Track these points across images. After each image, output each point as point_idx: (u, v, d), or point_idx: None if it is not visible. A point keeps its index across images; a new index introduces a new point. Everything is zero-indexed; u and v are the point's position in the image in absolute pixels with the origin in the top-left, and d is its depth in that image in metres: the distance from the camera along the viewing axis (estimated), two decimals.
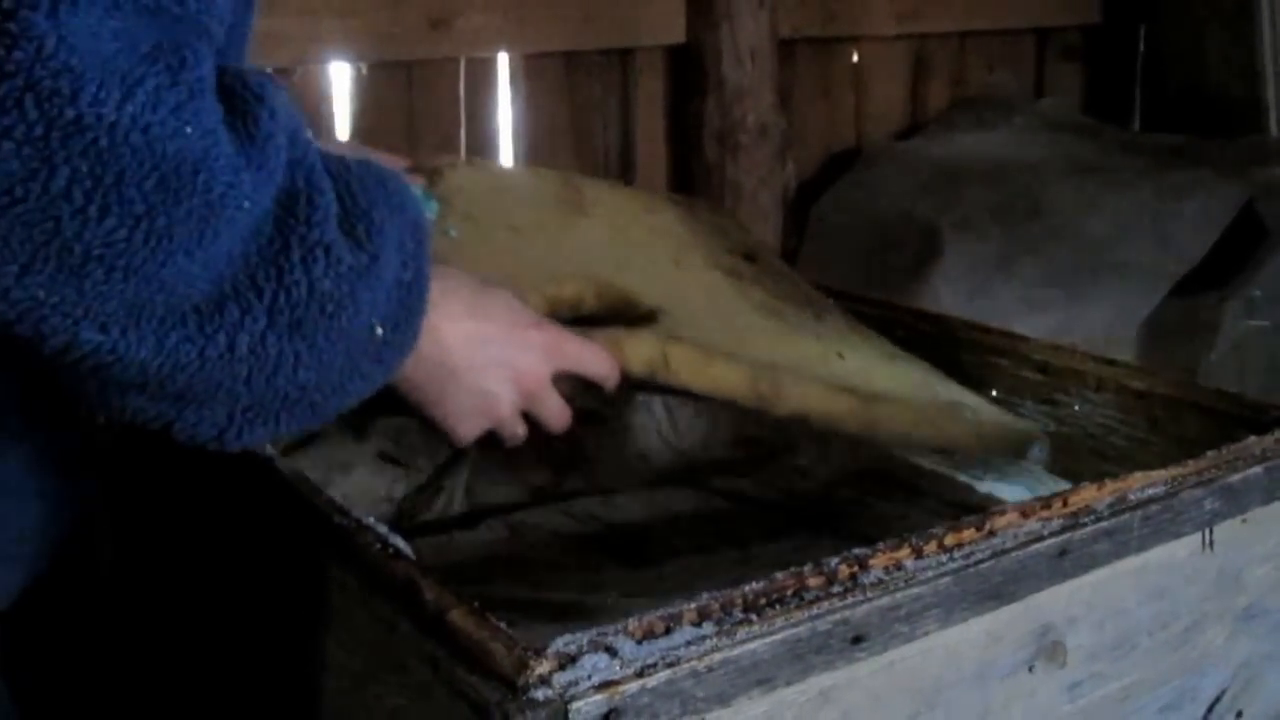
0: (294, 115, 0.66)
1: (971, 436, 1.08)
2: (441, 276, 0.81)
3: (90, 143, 0.55)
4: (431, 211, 1.00)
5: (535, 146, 2.41)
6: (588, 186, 1.14)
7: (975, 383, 1.36)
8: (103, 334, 0.59)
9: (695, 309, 1.02)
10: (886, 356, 1.21)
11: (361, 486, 1.32)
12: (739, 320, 1.03)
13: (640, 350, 0.95)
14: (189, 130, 0.58)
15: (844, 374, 1.05)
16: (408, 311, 0.72)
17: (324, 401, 0.70)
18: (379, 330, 0.70)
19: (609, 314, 0.96)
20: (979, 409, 1.10)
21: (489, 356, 0.86)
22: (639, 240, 1.11)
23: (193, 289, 0.61)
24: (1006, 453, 1.10)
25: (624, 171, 2.51)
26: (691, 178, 2.51)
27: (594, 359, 0.94)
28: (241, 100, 0.62)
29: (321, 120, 2.20)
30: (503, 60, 2.36)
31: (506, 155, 2.40)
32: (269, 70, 2.11)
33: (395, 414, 1.44)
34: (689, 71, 2.45)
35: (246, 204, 0.61)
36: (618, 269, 1.03)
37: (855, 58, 2.77)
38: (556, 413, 0.93)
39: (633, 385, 1.00)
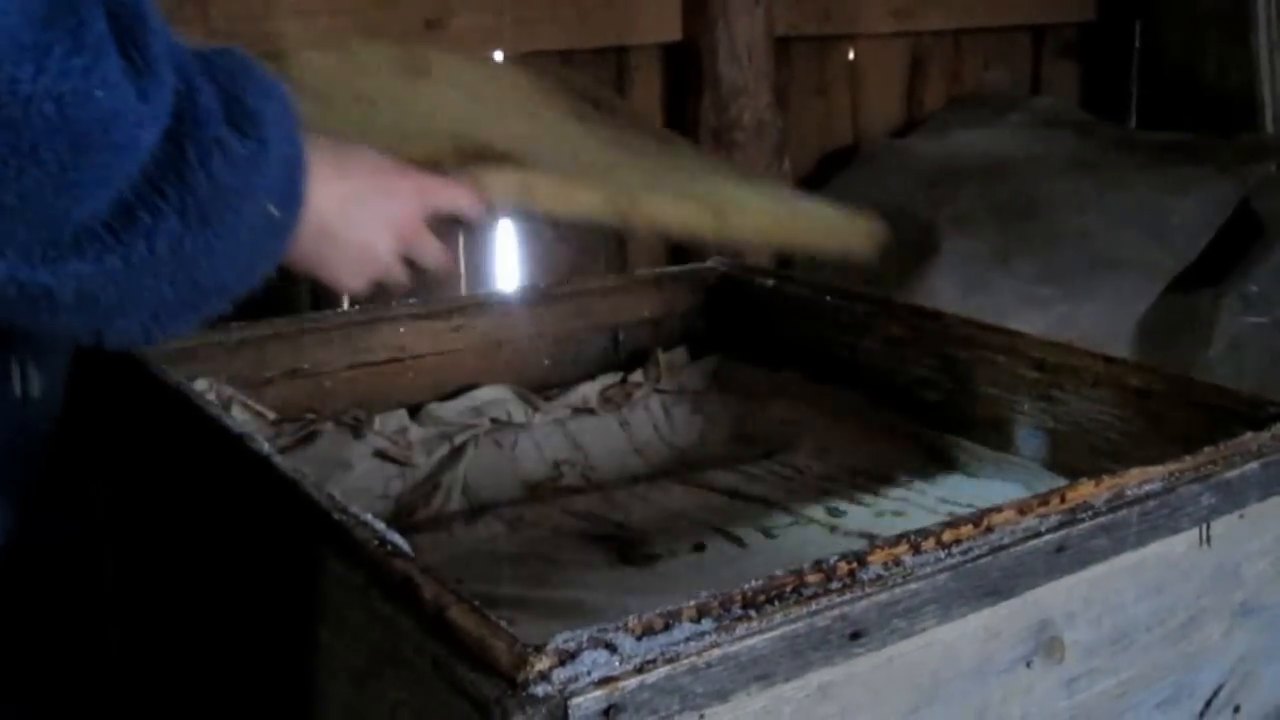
0: (164, 21, 0.69)
1: (819, 235, 1.18)
2: (305, 145, 0.85)
3: (6, 118, 0.58)
4: None
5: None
6: (434, 55, 1.18)
7: (972, 379, 1.37)
8: (29, 266, 0.64)
9: (549, 148, 1.09)
10: (734, 175, 1.33)
11: (360, 484, 1.32)
12: (592, 154, 1.10)
13: (503, 183, 0.99)
14: (99, 94, 0.61)
15: (697, 189, 1.12)
16: (294, 185, 0.76)
17: (237, 285, 0.75)
18: (274, 210, 0.74)
19: (467, 164, 0.99)
20: (823, 210, 1.19)
21: (362, 212, 0.89)
22: (489, 97, 1.17)
23: (100, 208, 0.65)
24: (852, 248, 1.19)
25: None
26: None
27: (461, 197, 0.98)
28: (129, 31, 0.65)
29: None
30: (498, 59, 2.35)
31: None
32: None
33: (392, 413, 1.45)
34: (685, 70, 2.45)
35: (146, 134, 0.65)
36: (471, 124, 1.08)
37: (851, 55, 2.76)
38: (435, 253, 0.97)
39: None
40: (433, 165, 0.96)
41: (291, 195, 0.76)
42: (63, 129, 0.60)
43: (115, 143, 0.63)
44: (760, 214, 1.14)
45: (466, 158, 0.99)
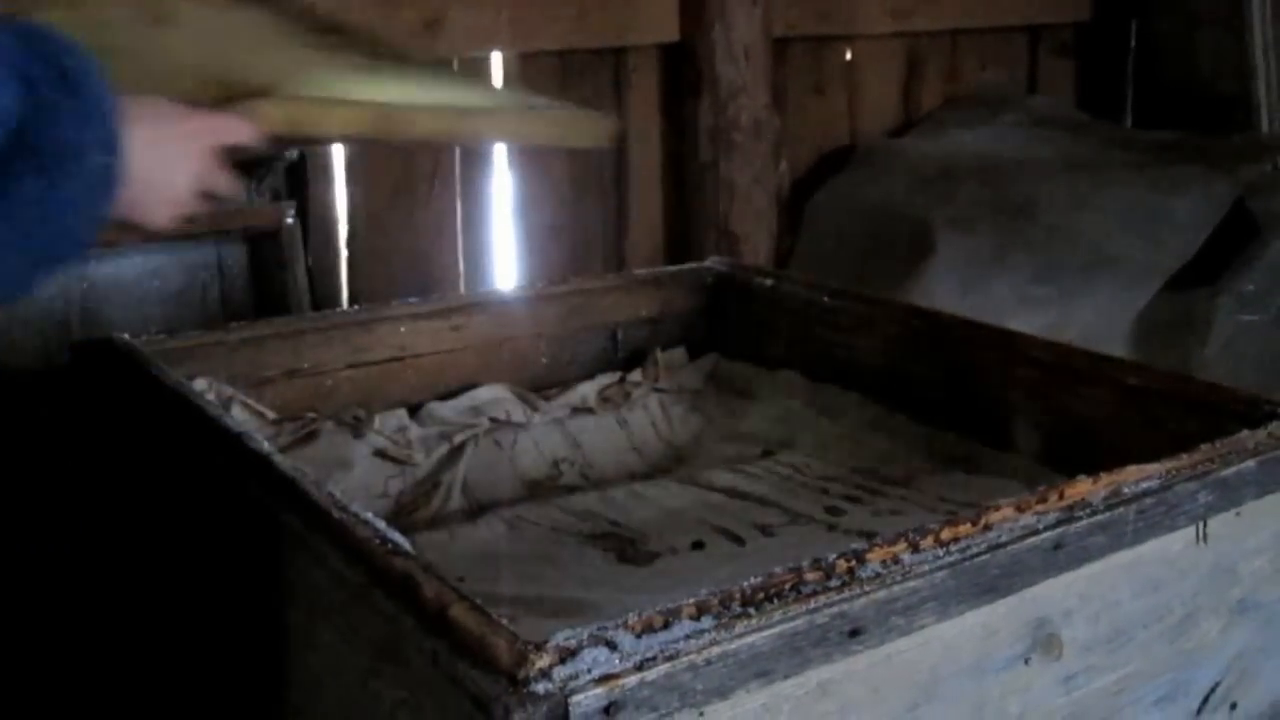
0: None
1: (555, 129, 1.28)
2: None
3: None
4: None
5: (530, 147, 2.40)
6: (173, 1, 1.23)
7: (969, 378, 1.37)
8: None
9: (303, 78, 1.16)
10: (474, 84, 1.52)
11: (360, 483, 1.32)
12: (342, 79, 1.18)
13: (274, 112, 1.05)
14: None
15: (444, 100, 1.22)
16: (117, 135, 0.84)
17: (86, 235, 0.84)
18: (107, 159, 0.82)
19: (231, 103, 1.07)
20: (557, 108, 1.31)
21: (163, 153, 0.96)
22: (237, 36, 1.22)
23: None
24: (584, 139, 1.29)
25: (618, 171, 2.51)
26: (685, 176, 2.51)
27: (241, 129, 1.03)
28: None
29: None
30: (496, 60, 2.35)
31: (499, 155, 2.40)
32: None
33: (392, 412, 1.46)
34: (683, 70, 2.45)
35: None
36: (224, 65, 1.13)
37: (848, 56, 2.77)
38: (228, 185, 1.03)
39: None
40: (201, 104, 1.01)
41: (116, 144, 0.83)
42: None
43: None
44: (501, 115, 1.25)
45: (227, 97, 1.05)
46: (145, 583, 1.19)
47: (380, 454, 1.37)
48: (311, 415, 1.39)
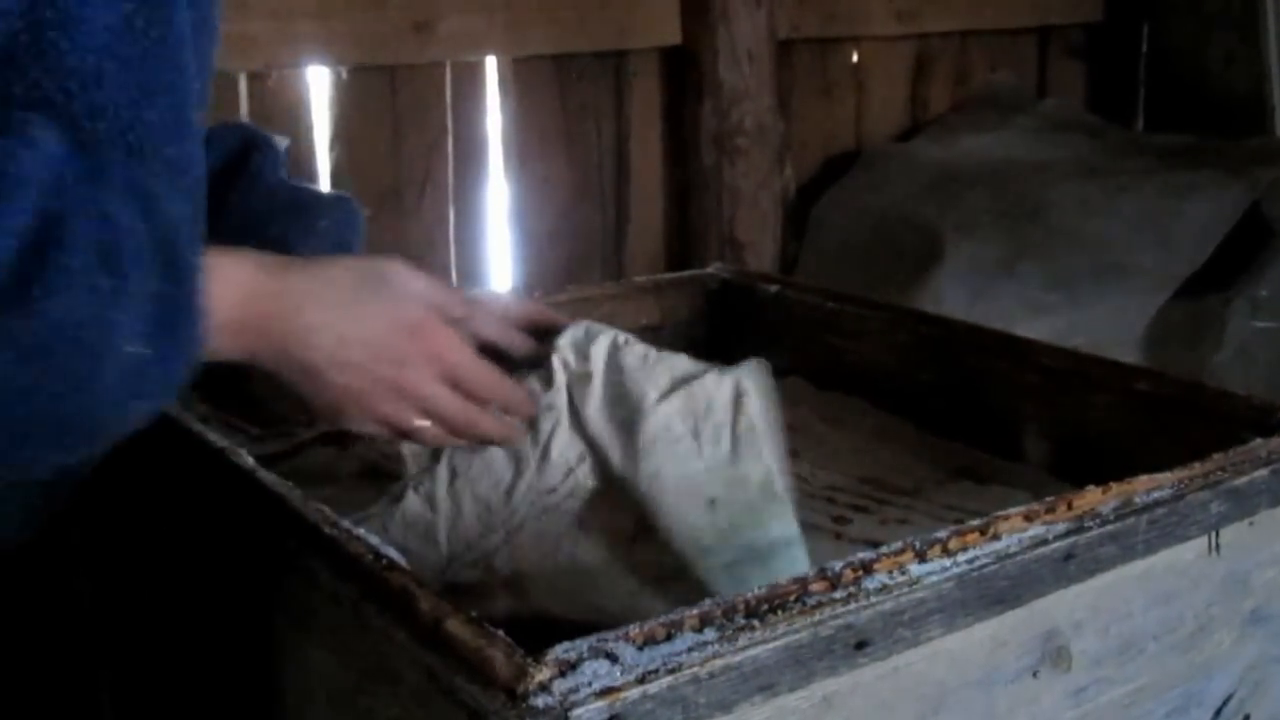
0: (63, 145, 0.68)
1: None
2: (315, 275, 0.83)
3: None
4: None
5: (526, 152, 2.40)
6: None
7: (978, 386, 1.36)
8: None
9: None
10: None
11: (347, 497, 1.30)
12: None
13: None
14: None
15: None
16: (172, 324, 0.71)
17: (105, 419, 0.72)
18: (134, 349, 0.69)
19: None
20: None
21: (356, 358, 0.85)
22: None
23: None
24: None
25: (619, 177, 2.50)
26: (688, 182, 2.50)
27: (478, 375, 0.93)
28: None
29: (300, 126, 2.18)
30: (490, 64, 2.33)
31: (496, 161, 2.39)
32: (242, 74, 2.10)
33: None
34: (685, 74, 2.44)
35: None
36: None
37: (855, 58, 2.76)
38: (451, 413, 0.92)
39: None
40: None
41: (170, 334, 0.71)
42: None
43: None
44: None
45: None
46: (126, 609, 1.17)
47: (368, 468, 1.35)
48: (296, 429, 1.38)
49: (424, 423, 0.91)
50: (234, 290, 0.77)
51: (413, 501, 0.99)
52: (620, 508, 0.99)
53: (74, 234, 0.66)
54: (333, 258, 0.89)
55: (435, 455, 1.01)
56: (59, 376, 0.66)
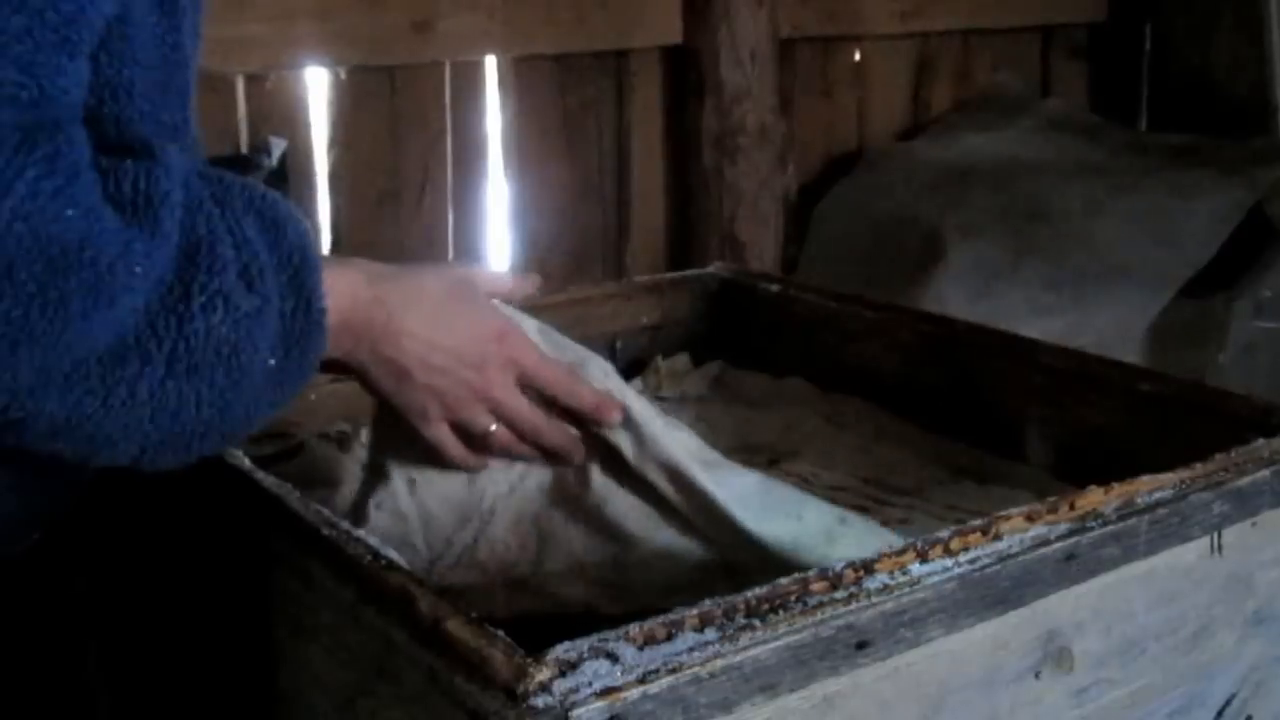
0: (189, 165, 0.71)
1: None
2: (409, 283, 0.88)
3: None
4: None
5: (526, 152, 2.39)
6: None
7: (980, 386, 1.35)
8: (11, 397, 0.64)
9: None
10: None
11: (347, 500, 1.30)
12: None
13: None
14: (70, 213, 0.62)
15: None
16: (300, 336, 0.76)
17: (234, 428, 0.75)
18: (272, 361, 0.74)
19: None
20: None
21: (442, 362, 0.90)
22: None
23: (96, 343, 0.65)
24: None
25: (619, 177, 2.50)
26: (690, 183, 2.49)
27: (555, 375, 0.96)
28: (133, 168, 0.67)
29: (298, 127, 2.17)
30: (490, 63, 2.33)
31: (496, 161, 2.38)
32: (239, 76, 2.09)
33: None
34: (686, 74, 2.43)
35: (139, 268, 0.65)
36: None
37: (857, 57, 2.76)
38: (523, 416, 0.95)
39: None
40: None
41: (298, 345, 0.76)
42: (35, 247, 0.61)
43: (95, 265, 0.63)
44: None
45: None
46: (121, 615, 1.17)
47: (368, 469, 1.35)
48: (293, 431, 1.37)
49: (495, 426, 0.94)
50: (341, 300, 0.82)
51: (379, 519, 1.00)
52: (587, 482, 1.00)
53: (220, 257, 0.69)
54: (423, 266, 0.95)
55: (378, 470, 1.02)
56: (205, 394, 0.70)
